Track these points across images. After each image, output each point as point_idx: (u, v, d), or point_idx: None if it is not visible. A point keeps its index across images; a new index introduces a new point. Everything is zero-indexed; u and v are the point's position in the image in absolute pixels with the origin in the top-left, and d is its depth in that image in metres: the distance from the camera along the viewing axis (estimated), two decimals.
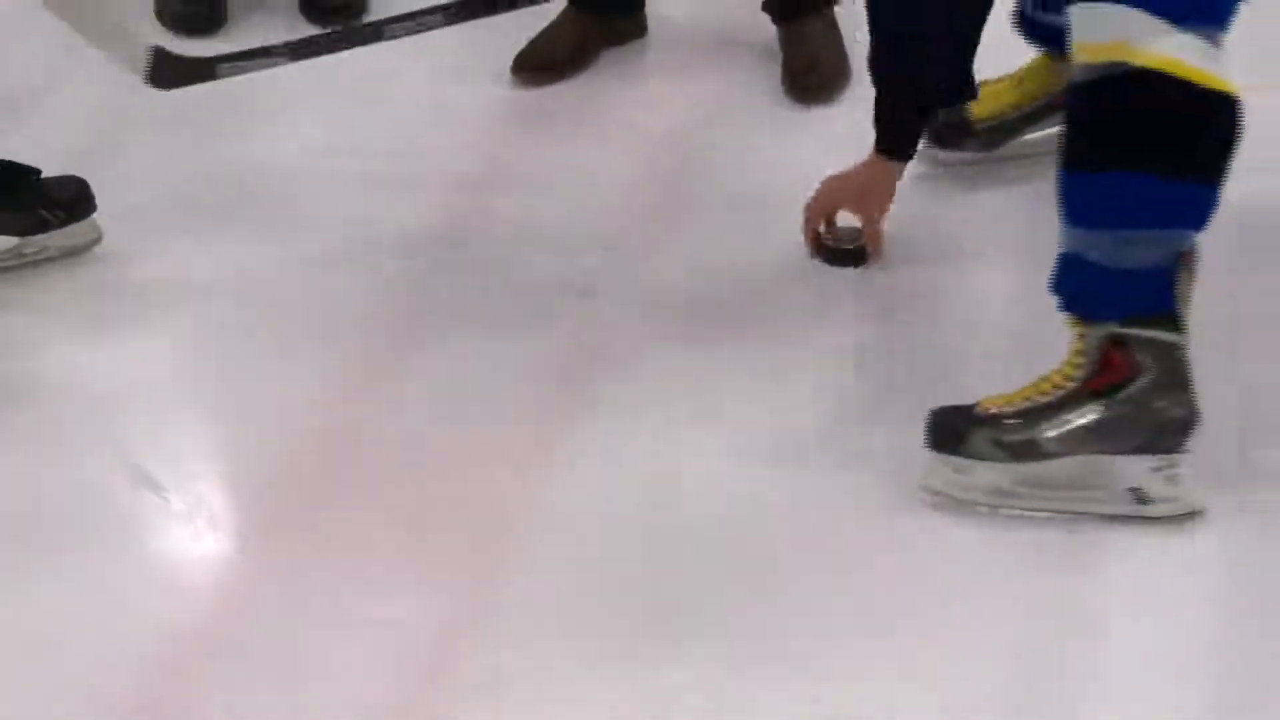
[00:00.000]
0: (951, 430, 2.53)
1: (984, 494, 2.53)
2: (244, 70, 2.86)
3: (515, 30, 3.67)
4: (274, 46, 2.90)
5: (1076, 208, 2.44)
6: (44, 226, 3.07)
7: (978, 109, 3.19)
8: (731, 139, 3.47)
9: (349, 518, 2.61)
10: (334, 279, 3.10)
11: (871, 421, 2.72)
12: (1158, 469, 2.49)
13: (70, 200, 3.09)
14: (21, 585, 2.49)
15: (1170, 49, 2.33)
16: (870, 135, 3.07)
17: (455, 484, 2.67)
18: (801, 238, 3.10)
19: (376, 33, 2.92)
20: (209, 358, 2.94)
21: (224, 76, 2.86)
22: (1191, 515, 2.51)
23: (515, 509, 2.63)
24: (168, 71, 2.80)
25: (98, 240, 3.12)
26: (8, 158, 3.07)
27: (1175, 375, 2.47)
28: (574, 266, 3.12)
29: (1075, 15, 2.40)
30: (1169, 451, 2.49)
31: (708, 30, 3.77)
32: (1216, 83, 2.35)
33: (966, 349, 2.88)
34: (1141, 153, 2.38)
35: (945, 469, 2.54)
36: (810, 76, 3.57)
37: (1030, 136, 3.18)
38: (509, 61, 3.66)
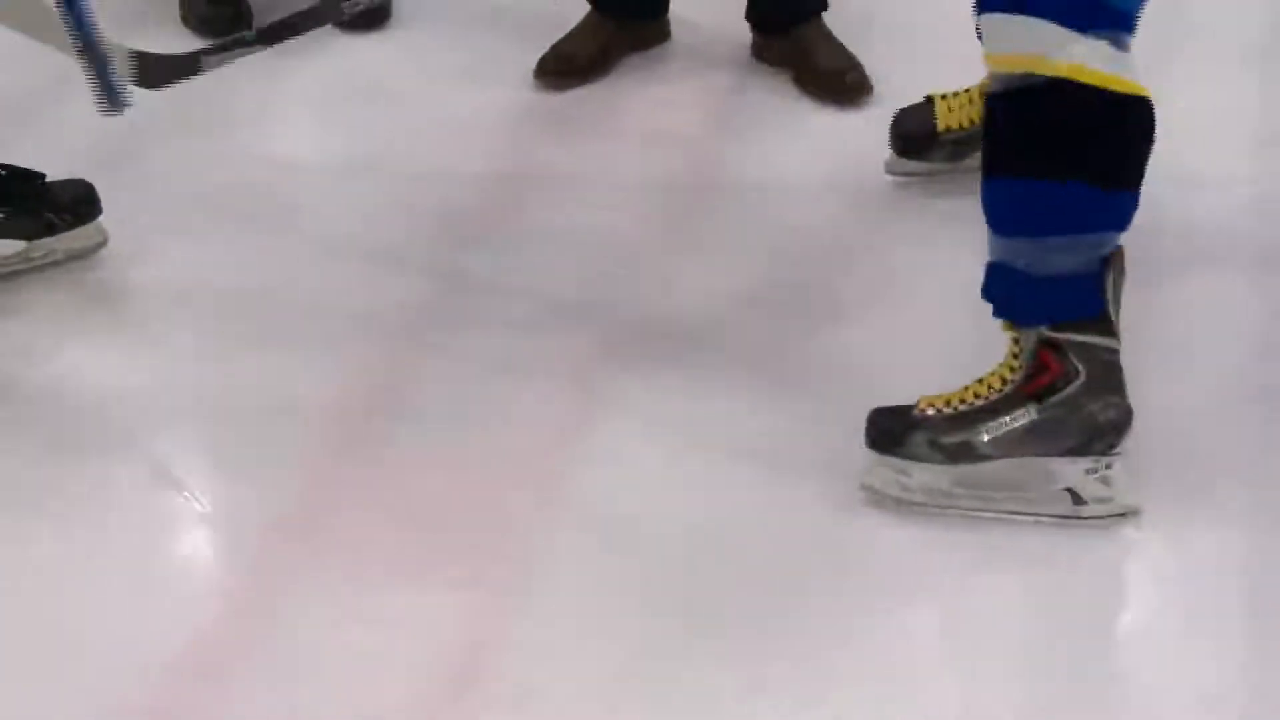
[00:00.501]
0: (890, 431, 2.61)
1: (923, 494, 2.60)
2: (227, 60, 2.88)
3: (539, 34, 3.77)
4: (247, 35, 2.93)
5: (999, 216, 2.52)
6: (50, 230, 3.15)
7: (944, 121, 3.25)
8: (751, 145, 3.54)
9: (360, 520, 2.67)
10: (345, 280, 3.18)
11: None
12: (1092, 470, 2.56)
13: (76, 203, 3.18)
14: (28, 586, 2.57)
15: (1079, 56, 2.40)
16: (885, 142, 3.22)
17: (467, 486, 2.73)
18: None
19: (337, 8, 2.99)
20: (219, 359, 3.00)
21: (209, 69, 2.88)
22: (1124, 516, 2.59)
23: (528, 511, 2.69)
24: (154, 72, 2.82)
25: (104, 243, 3.21)
26: (14, 162, 3.17)
27: (1108, 378, 2.54)
28: (589, 268, 3.20)
29: (986, 27, 2.48)
30: (1102, 453, 2.56)
31: (731, 35, 3.81)
32: (1127, 86, 2.43)
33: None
34: (1058, 160, 2.45)
35: (885, 469, 2.62)
36: (839, 79, 3.65)
37: None
38: (532, 65, 3.74)
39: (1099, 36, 2.40)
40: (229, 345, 3.02)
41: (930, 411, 2.60)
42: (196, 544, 2.74)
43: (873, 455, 2.62)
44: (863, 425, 2.65)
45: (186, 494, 2.75)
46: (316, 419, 2.85)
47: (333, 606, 2.51)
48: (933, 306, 3.03)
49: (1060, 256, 2.49)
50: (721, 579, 2.56)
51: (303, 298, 3.13)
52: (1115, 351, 2.54)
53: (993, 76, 2.50)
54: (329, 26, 3.87)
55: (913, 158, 3.29)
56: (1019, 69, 2.43)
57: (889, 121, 3.35)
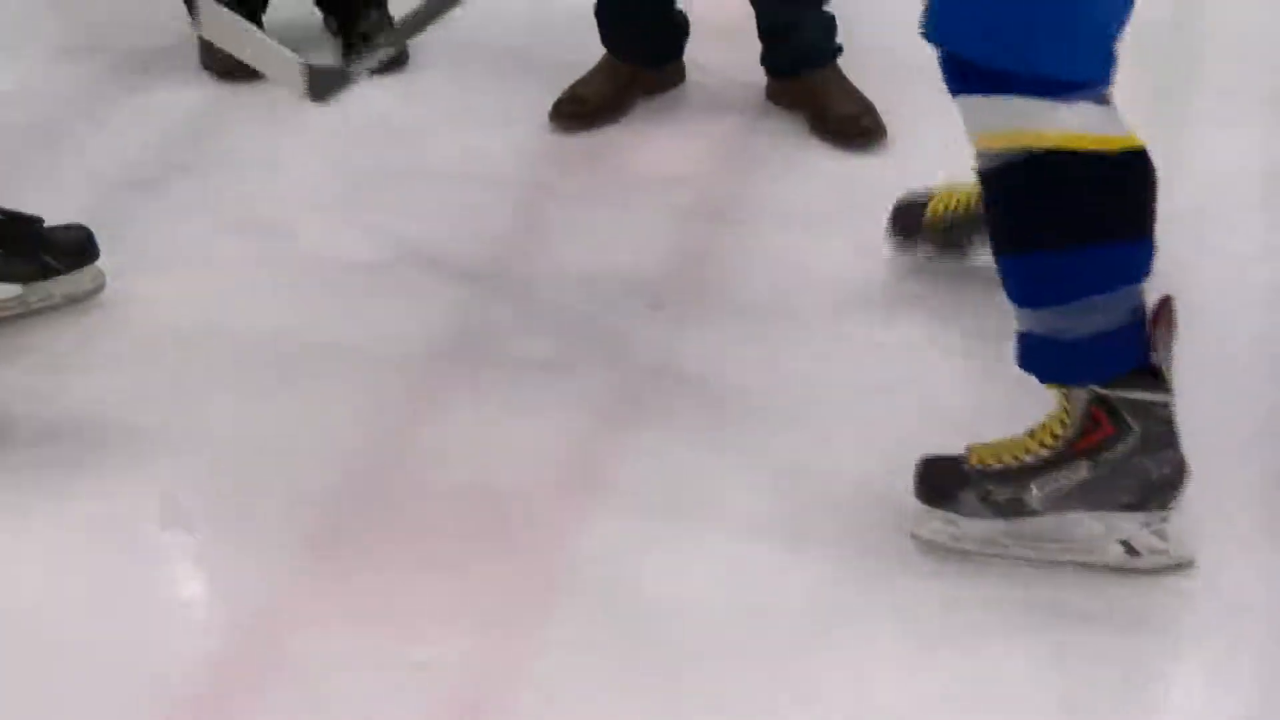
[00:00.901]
0: (940, 486, 2.60)
1: (973, 543, 2.60)
2: (367, 65, 2.98)
3: (554, 78, 3.77)
4: (376, 40, 3.07)
5: (1016, 290, 2.51)
6: (47, 274, 3.14)
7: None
8: (765, 188, 3.52)
9: (372, 558, 2.66)
10: (359, 319, 3.17)
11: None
12: (1146, 524, 2.55)
13: (73, 247, 3.16)
14: (35, 623, 2.55)
15: (1065, 124, 2.37)
16: (899, 187, 3.19)
17: (484, 526, 2.70)
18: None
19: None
20: (227, 398, 2.98)
21: (356, 78, 2.96)
22: (1179, 567, 2.57)
23: (547, 553, 2.66)
24: (321, 85, 2.91)
25: (101, 287, 3.20)
26: (13, 207, 3.14)
27: (1162, 434, 2.53)
28: (606, 309, 3.19)
29: (963, 108, 2.45)
30: (1158, 509, 2.55)
31: (745, 79, 3.80)
32: (1120, 142, 2.41)
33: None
34: (1068, 228, 2.43)
35: (935, 520, 2.62)
36: (854, 124, 3.63)
37: None
38: (547, 108, 3.74)
39: (1080, 98, 2.36)
40: (237, 384, 3.01)
41: (980, 467, 2.58)
42: (203, 581, 2.72)
43: (922, 505, 2.62)
44: (897, 466, 2.64)
45: (195, 532, 2.73)
46: (328, 457, 2.84)
47: (344, 645, 2.49)
48: (963, 346, 3.01)
49: (1093, 317, 2.46)
50: (746, 625, 2.52)
51: (313, 338, 3.12)
52: (1168, 406, 2.52)
53: (982, 155, 2.46)
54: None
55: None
56: (1008, 145, 2.40)
57: (904, 165, 3.36)
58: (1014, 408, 2.72)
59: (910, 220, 3.18)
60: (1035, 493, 2.54)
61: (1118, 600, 2.53)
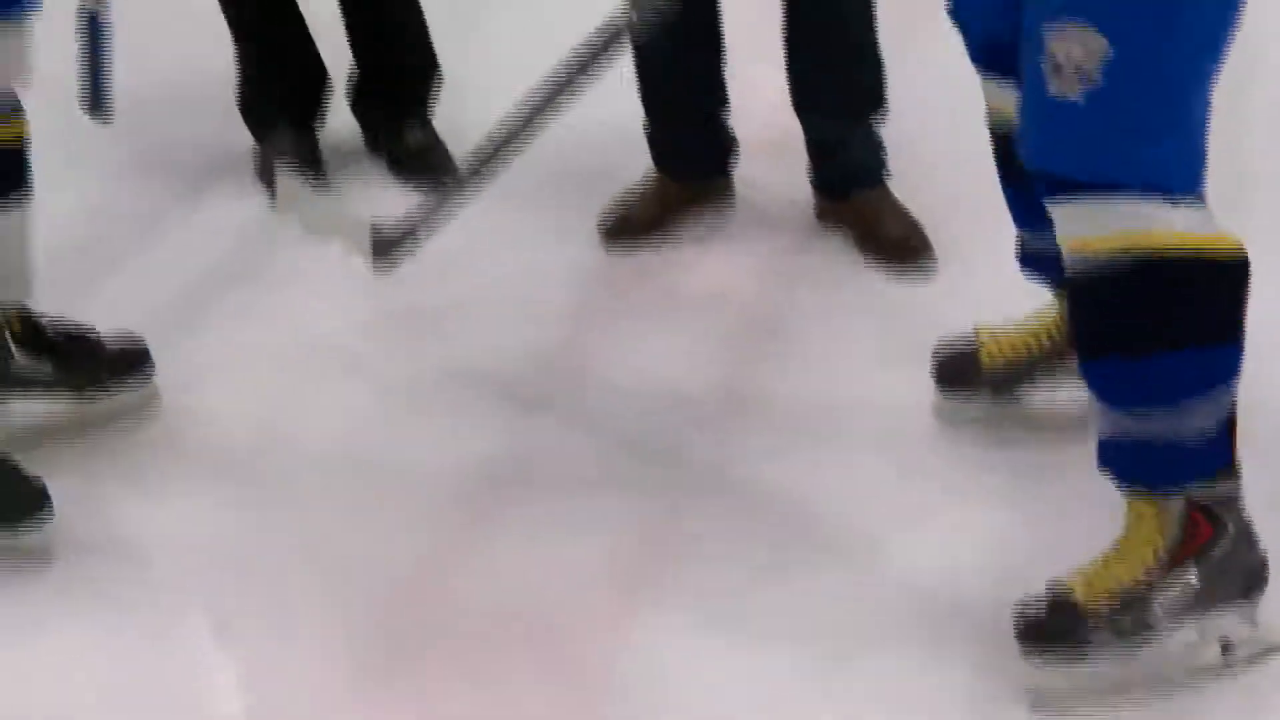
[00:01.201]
0: (1058, 628, 2.52)
1: (1097, 683, 2.52)
2: (435, 225, 2.99)
3: (601, 194, 3.77)
4: (442, 189, 3.05)
5: (1112, 394, 2.49)
6: (102, 386, 3.14)
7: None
8: (813, 307, 3.51)
9: (428, 674, 2.65)
10: (411, 439, 3.17)
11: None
12: (1242, 617, 2.55)
13: (128, 360, 3.17)
14: None
15: (1174, 224, 2.37)
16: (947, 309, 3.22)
17: (536, 642, 2.71)
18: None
19: (514, 134, 2.93)
20: (278, 514, 2.99)
21: (424, 237, 3.00)
22: (1267, 653, 2.57)
23: (600, 669, 2.66)
24: (386, 251, 2.98)
25: (155, 400, 3.21)
26: (67, 315, 3.17)
27: (1246, 525, 2.55)
28: (654, 428, 3.18)
29: (1060, 215, 2.43)
30: (1256, 596, 2.56)
31: (795, 196, 3.78)
32: (1219, 242, 2.40)
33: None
34: (1168, 332, 2.41)
35: (1051, 669, 2.53)
36: (903, 244, 3.62)
37: None
38: (594, 225, 3.74)
39: (1184, 200, 2.37)
40: (286, 498, 3.02)
41: (1103, 599, 2.50)
42: (248, 695, 2.71)
43: (1032, 655, 2.53)
44: (944, 591, 2.66)
45: (240, 645, 2.74)
46: (375, 571, 2.84)
47: None
48: (1010, 471, 2.98)
49: (1191, 420, 2.45)
50: None
51: (362, 454, 3.13)
52: (1242, 496, 2.53)
53: (1077, 259, 2.43)
54: (387, 178, 3.92)
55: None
56: (1113, 248, 2.37)
57: (954, 285, 3.36)
58: (1063, 535, 2.72)
59: (964, 369, 3.09)
60: (1158, 611, 2.50)
61: (1205, 699, 2.52)
